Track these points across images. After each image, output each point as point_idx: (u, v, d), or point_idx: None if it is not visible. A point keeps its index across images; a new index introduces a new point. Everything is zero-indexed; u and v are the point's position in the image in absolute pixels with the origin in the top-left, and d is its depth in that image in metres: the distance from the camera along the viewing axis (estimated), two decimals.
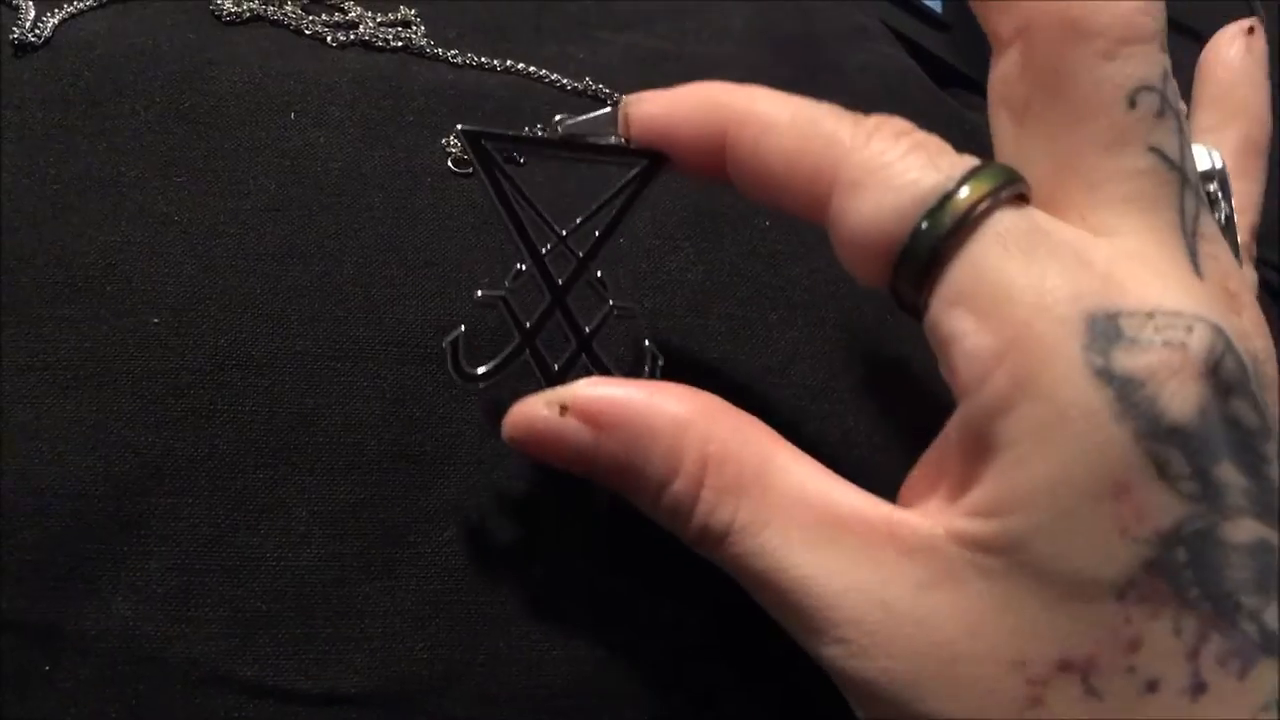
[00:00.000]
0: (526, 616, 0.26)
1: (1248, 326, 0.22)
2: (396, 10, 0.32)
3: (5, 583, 0.24)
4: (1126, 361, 0.20)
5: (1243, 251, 0.31)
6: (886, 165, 0.22)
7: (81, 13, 0.29)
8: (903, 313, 0.23)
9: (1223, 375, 0.20)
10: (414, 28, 0.32)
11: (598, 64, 0.33)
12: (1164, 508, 0.19)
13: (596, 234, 0.25)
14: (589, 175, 0.26)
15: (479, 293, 0.25)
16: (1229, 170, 0.31)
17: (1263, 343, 0.22)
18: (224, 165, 0.28)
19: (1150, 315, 0.20)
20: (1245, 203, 0.31)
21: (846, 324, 0.30)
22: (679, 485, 0.23)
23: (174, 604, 0.24)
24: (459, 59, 0.31)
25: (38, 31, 0.28)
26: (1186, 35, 0.37)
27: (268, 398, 0.26)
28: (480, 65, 0.31)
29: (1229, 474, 0.20)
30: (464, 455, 0.26)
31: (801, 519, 0.22)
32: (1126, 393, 0.20)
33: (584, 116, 0.25)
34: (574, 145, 0.25)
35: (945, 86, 0.42)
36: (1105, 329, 0.20)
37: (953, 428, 0.22)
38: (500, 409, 0.26)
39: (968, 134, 0.38)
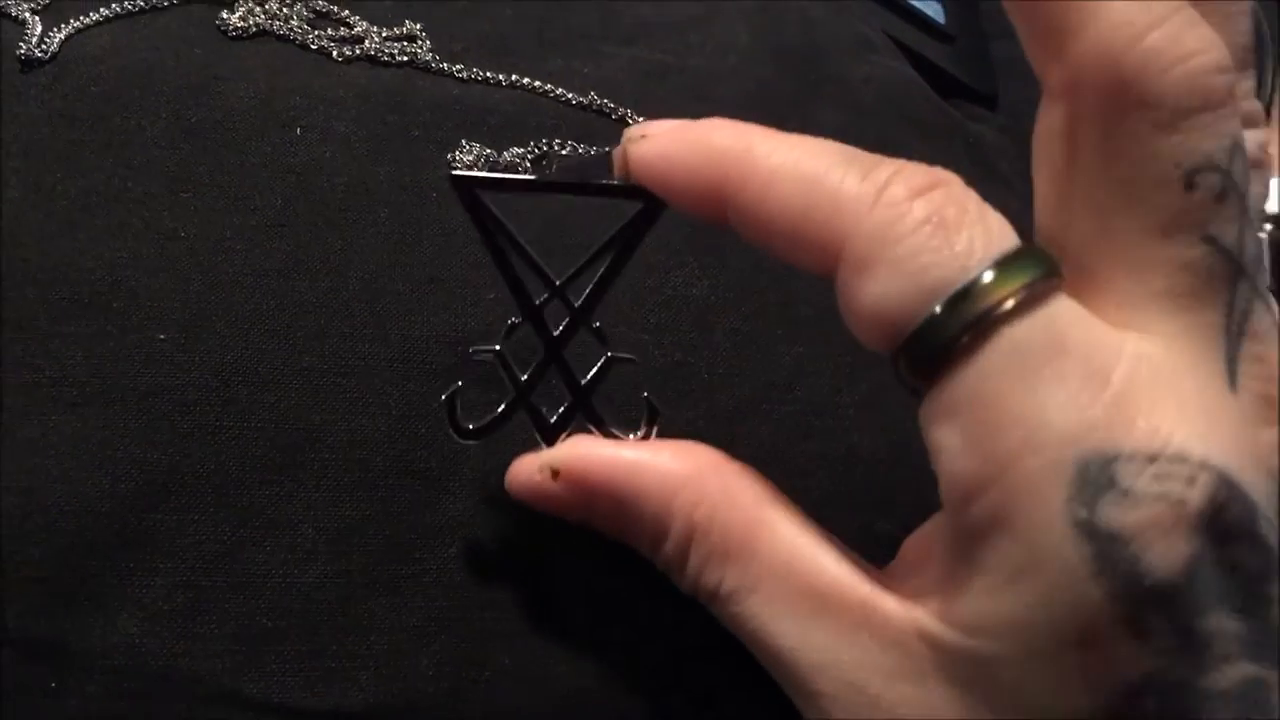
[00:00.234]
0: (532, 631, 0.26)
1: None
2: (401, 25, 0.32)
3: (11, 599, 0.24)
4: (1114, 516, 0.19)
5: None
6: (896, 241, 0.20)
7: (87, 28, 0.29)
8: None
9: (1223, 524, 0.19)
10: (419, 42, 0.32)
11: (602, 77, 0.33)
12: (1133, 661, 0.19)
13: (594, 282, 0.24)
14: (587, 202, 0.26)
15: (472, 349, 0.25)
16: None
17: None
18: (230, 180, 0.28)
19: (1152, 459, 0.19)
20: None
21: (852, 340, 0.30)
22: (668, 548, 0.23)
23: (180, 621, 0.24)
24: (464, 73, 0.32)
25: (44, 47, 0.28)
26: None
27: (274, 414, 0.26)
28: (485, 80, 0.32)
29: (1218, 623, 0.19)
30: (469, 471, 0.26)
31: (786, 589, 0.22)
32: (1107, 551, 0.19)
33: (579, 158, 0.25)
34: (570, 186, 0.24)
35: (948, 98, 0.42)
36: (1097, 477, 0.19)
37: (939, 522, 0.22)
38: (509, 427, 0.26)
39: (970, 146, 0.38)
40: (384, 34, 0.32)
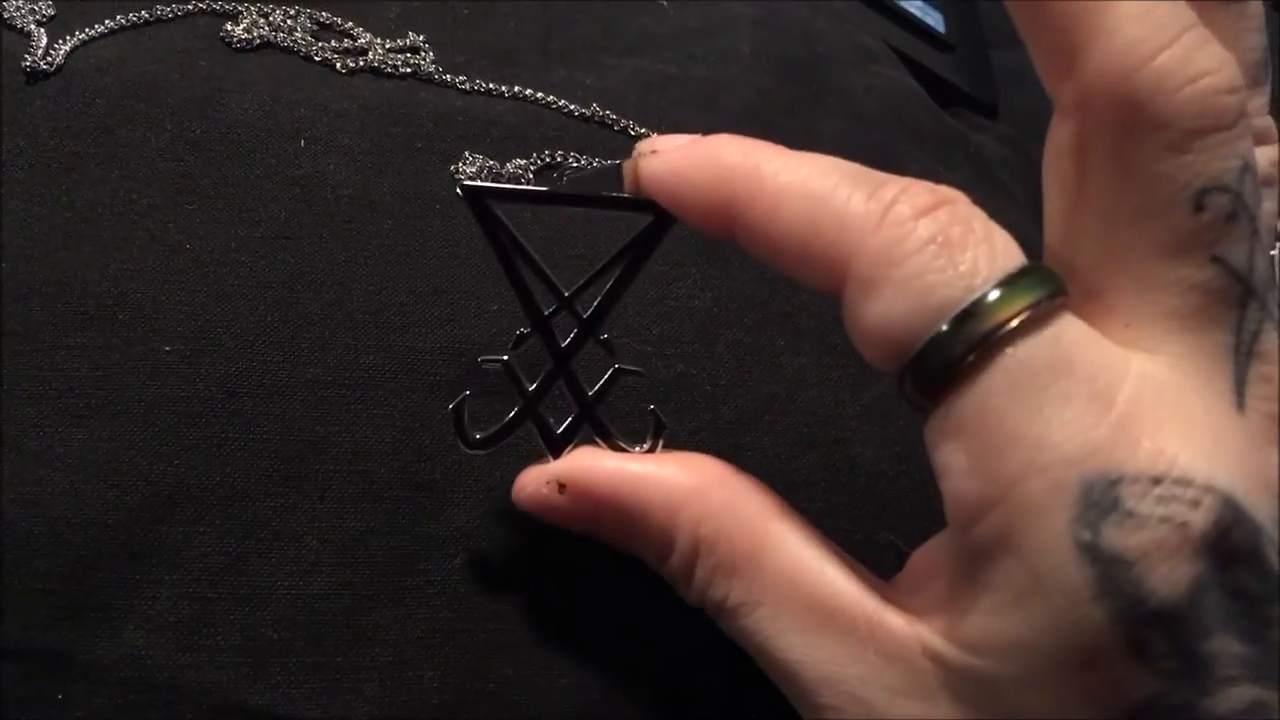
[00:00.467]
0: (536, 643, 0.26)
1: None
2: (405, 36, 0.32)
3: (18, 611, 0.24)
4: (1117, 539, 0.18)
5: None
6: (902, 261, 0.20)
7: (93, 40, 0.29)
8: None
9: (1227, 547, 0.19)
10: (422, 54, 0.32)
11: (605, 88, 0.33)
12: (1136, 683, 0.19)
13: (602, 294, 0.25)
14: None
15: (482, 358, 0.25)
16: None
17: None
18: (235, 193, 0.28)
19: (1157, 480, 0.19)
20: None
21: (854, 351, 0.30)
22: (674, 562, 0.24)
23: (186, 632, 0.24)
24: (467, 85, 0.32)
25: (49, 59, 0.29)
26: None
27: (279, 426, 0.26)
28: (489, 91, 0.32)
29: (1222, 645, 0.19)
30: (473, 483, 0.26)
31: (792, 602, 0.22)
32: (1111, 573, 0.18)
33: (589, 170, 0.25)
34: (579, 199, 0.24)
35: (949, 107, 0.42)
36: (1101, 499, 0.19)
37: (946, 538, 0.22)
38: (514, 437, 0.26)
39: (971, 156, 0.39)
40: (387, 46, 0.32)
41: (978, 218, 0.20)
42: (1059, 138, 0.21)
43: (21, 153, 0.27)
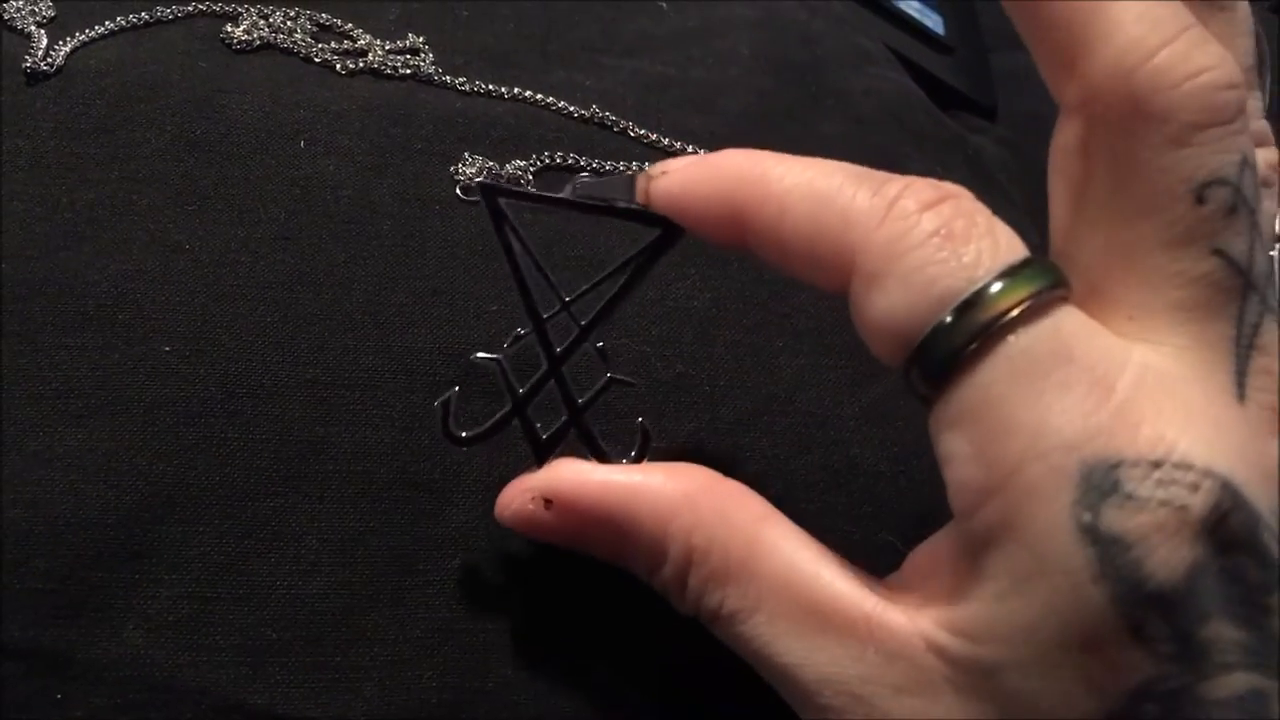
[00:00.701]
0: (535, 643, 0.26)
1: None
2: (405, 38, 0.32)
3: (17, 611, 0.24)
4: (1117, 521, 0.19)
5: None
6: (906, 253, 0.20)
7: (93, 41, 0.30)
8: None
9: (1226, 533, 0.19)
10: (422, 55, 0.32)
11: (604, 90, 0.33)
12: (1135, 666, 0.19)
13: (604, 302, 0.25)
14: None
15: (476, 355, 0.25)
16: None
17: None
18: (235, 193, 0.28)
19: (1156, 464, 0.19)
20: None
21: (852, 352, 0.30)
22: (666, 572, 0.23)
23: (185, 632, 0.24)
24: (466, 86, 0.32)
25: (50, 60, 0.29)
26: None
27: (278, 426, 0.26)
28: (488, 93, 0.32)
29: (1220, 630, 0.19)
30: (472, 483, 0.26)
31: (788, 606, 0.22)
32: (1110, 555, 0.19)
33: (602, 179, 0.25)
34: (590, 207, 0.25)
35: (948, 109, 0.42)
36: (1101, 481, 0.19)
37: (944, 536, 0.22)
38: (507, 436, 0.26)
39: (970, 158, 0.39)
40: (387, 47, 0.32)
41: (981, 213, 0.21)
42: (1063, 137, 0.22)
43: (22, 153, 0.27)
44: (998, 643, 0.20)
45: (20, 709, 0.23)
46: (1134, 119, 0.20)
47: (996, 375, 0.20)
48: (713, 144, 0.32)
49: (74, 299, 0.26)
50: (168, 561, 0.25)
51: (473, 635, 0.26)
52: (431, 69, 0.32)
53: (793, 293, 0.30)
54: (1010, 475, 0.19)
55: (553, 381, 0.25)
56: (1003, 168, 0.40)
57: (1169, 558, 0.19)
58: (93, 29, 0.30)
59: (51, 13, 0.30)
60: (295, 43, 0.31)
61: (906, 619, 0.21)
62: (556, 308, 0.25)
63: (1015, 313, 0.19)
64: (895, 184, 0.21)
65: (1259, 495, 0.20)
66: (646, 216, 0.24)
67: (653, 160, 0.31)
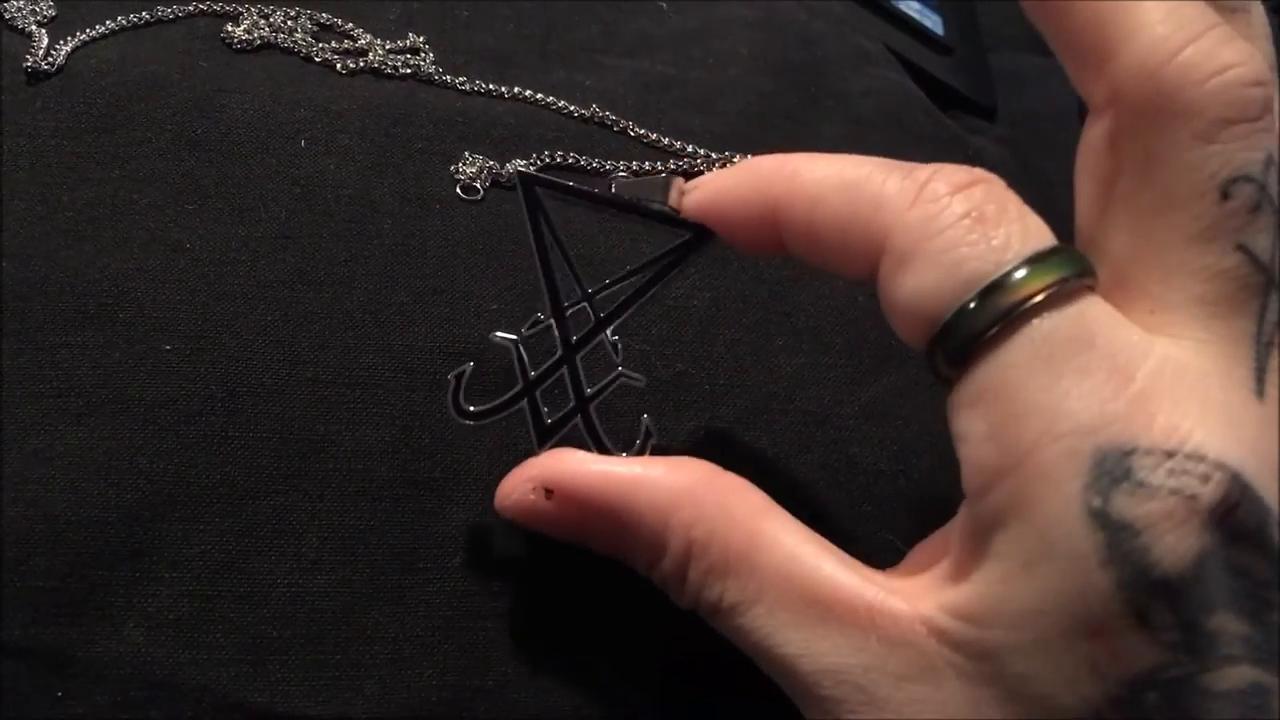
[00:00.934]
0: (535, 641, 0.26)
1: None
2: (405, 37, 0.32)
3: (18, 609, 0.24)
4: (1126, 507, 0.19)
5: None
6: (936, 234, 0.20)
7: (94, 41, 0.30)
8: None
9: (1234, 525, 0.19)
10: (422, 55, 0.32)
11: (604, 90, 0.33)
12: (1139, 654, 0.19)
13: (624, 297, 0.26)
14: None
15: (495, 334, 0.26)
16: None
17: None
18: (235, 193, 0.28)
19: (1169, 454, 0.19)
20: None
21: (852, 350, 0.30)
22: (666, 565, 0.24)
23: (186, 630, 0.24)
24: (467, 86, 0.32)
25: (51, 59, 0.29)
26: None
27: (279, 424, 0.26)
28: (488, 92, 0.32)
29: (1224, 622, 0.19)
30: (472, 481, 0.26)
31: (788, 598, 0.22)
32: (1118, 540, 0.19)
33: (639, 179, 0.26)
34: (625, 205, 0.25)
35: (947, 110, 0.42)
36: (1113, 467, 0.19)
37: (959, 515, 0.22)
38: (508, 434, 0.26)
39: (970, 159, 0.39)
40: (388, 47, 0.32)
41: (1012, 199, 0.21)
42: (1092, 135, 0.22)
43: (22, 153, 0.27)
44: (1002, 626, 0.20)
45: (20, 707, 0.23)
46: (1161, 115, 0.20)
47: (1017, 358, 0.20)
48: (713, 144, 0.33)
49: (75, 298, 0.26)
50: (168, 560, 0.25)
51: (473, 633, 0.26)
52: (432, 68, 0.32)
53: (793, 291, 0.30)
54: (1024, 457, 0.20)
55: (564, 370, 0.25)
56: (1002, 168, 0.40)
57: (1176, 545, 0.19)
58: (93, 28, 0.30)
59: (52, 12, 0.30)
60: (296, 42, 0.31)
61: (908, 606, 0.22)
62: (578, 298, 0.25)
63: (1040, 298, 0.20)
64: (925, 168, 0.21)
65: (1269, 490, 0.20)
66: (682, 222, 0.25)
67: (653, 160, 0.31)
